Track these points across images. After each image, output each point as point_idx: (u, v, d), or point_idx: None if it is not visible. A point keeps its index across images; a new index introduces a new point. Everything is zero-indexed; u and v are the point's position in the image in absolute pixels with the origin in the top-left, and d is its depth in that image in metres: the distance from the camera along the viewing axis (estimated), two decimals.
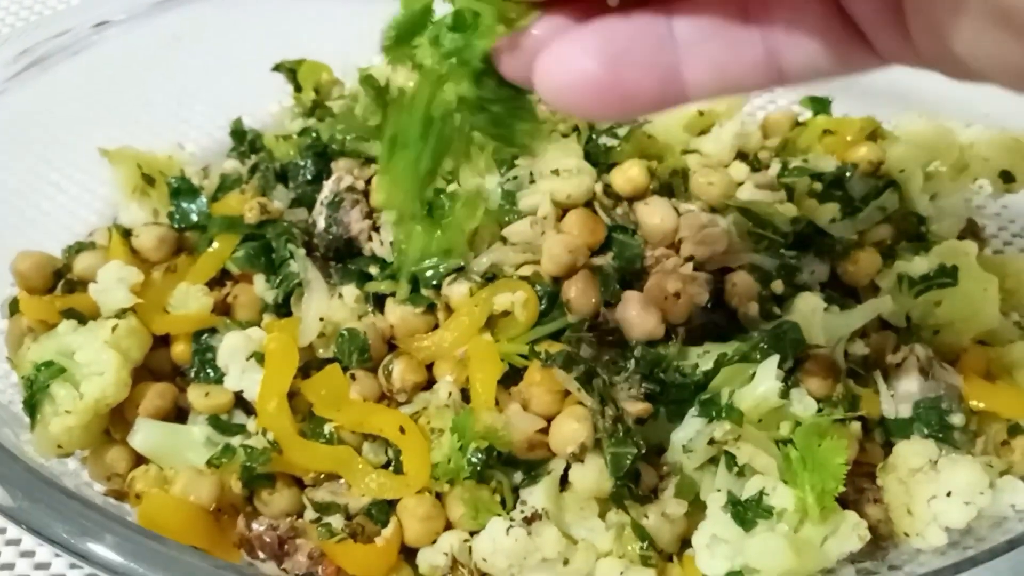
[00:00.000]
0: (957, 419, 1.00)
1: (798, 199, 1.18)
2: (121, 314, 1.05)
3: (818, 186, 1.19)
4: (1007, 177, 1.20)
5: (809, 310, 1.02)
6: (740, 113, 1.29)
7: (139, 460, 1.02)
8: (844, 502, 0.92)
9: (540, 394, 0.96)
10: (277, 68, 1.34)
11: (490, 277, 1.05)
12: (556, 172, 1.10)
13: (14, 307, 1.11)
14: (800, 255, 1.09)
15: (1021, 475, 1.01)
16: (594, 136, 1.18)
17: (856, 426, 0.99)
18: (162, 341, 1.08)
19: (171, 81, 1.38)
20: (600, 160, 1.16)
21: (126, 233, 1.15)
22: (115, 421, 1.03)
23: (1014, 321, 1.16)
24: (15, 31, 1.42)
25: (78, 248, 1.15)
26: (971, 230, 1.23)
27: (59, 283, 1.13)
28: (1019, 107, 1.23)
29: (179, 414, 1.06)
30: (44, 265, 1.13)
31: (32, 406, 0.99)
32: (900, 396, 1.01)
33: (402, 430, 0.95)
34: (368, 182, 1.14)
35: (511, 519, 0.92)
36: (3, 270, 1.14)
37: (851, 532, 0.89)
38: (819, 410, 0.97)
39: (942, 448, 0.97)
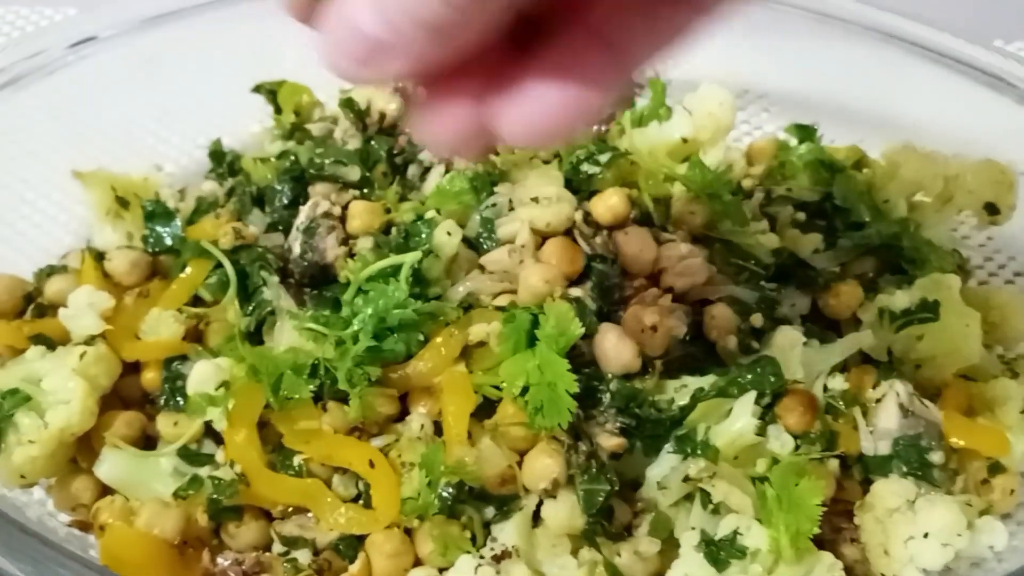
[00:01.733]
0: (936, 457, 0.98)
1: (781, 229, 1.16)
2: (90, 340, 1.03)
3: (801, 216, 1.18)
4: (992, 209, 1.18)
5: (788, 344, 1.00)
6: (724, 141, 1.27)
7: (105, 490, 1.00)
8: (820, 542, 0.90)
9: (513, 428, 0.94)
10: (257, 89, 1.32)
11: (467, 307, 1.03)
12: (536, 200, 1.08)
13: None
14: (781, 287, 1.08)
15: (1001, 514, 1.00)
16: (575, 163, 1.16)
17: (834, 464, 0.97)
18: (133, 367, 1.07)
19: (151, 101, 1.37)
20: (581, 187, 1.14)
21: (99, 256, 1.13)
22: (82, 449, 1.02)
23: (998, 355, 1.14)
24: None
25: (49, 271, 1.14)
26: (955, 262, 1.21)
27: (29, 307, 1.11)
28: (1005, 137, 1.24)
29: (148, 442, 1.04)
30: (14, 289, 1.11)
31: None
32: (879, 433, 0.99)
33: (371, 464, 0.93)
34: (345, 208, 1.12)
35: (481, 556, 0.91)
36: None
37: (826, 574, 0.87)
38: (797, 447, 0.96)
39: (921, 487, 0.95)
